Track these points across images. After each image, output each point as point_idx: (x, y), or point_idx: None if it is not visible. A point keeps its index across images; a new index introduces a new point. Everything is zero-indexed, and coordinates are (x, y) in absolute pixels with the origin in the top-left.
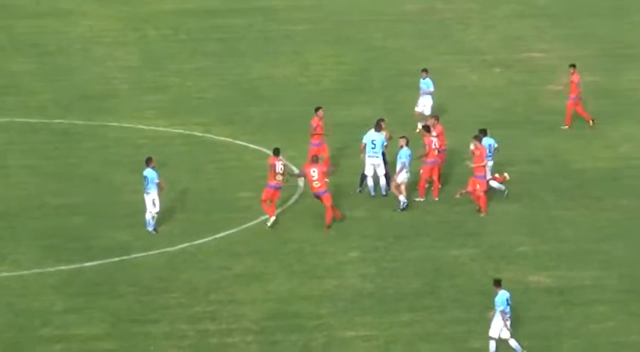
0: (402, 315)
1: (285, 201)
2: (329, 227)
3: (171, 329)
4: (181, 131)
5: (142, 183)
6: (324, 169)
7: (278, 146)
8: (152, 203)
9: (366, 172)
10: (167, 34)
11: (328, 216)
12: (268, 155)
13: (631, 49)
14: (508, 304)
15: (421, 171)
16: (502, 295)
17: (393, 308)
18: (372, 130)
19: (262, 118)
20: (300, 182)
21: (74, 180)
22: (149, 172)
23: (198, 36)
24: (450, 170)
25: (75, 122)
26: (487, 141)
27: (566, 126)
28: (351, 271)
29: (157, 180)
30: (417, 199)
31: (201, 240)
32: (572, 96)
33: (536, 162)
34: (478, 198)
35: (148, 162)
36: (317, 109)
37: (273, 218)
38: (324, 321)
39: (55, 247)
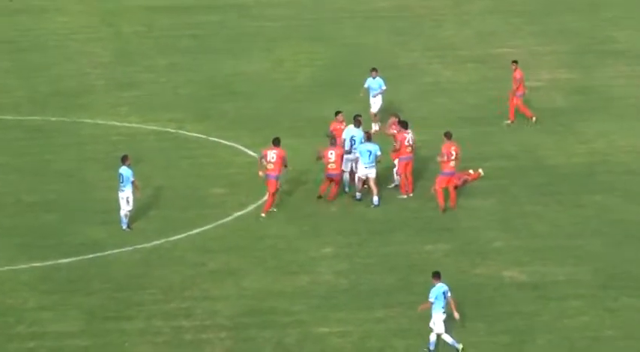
0: (376, 311)
1: (259, 197)
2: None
3: (146, 325)
4: (155, 127)
5: (117, 180)
6: (341, 152)
7: (252, 142)
8: (126, 201)
9: (343, 168)
10: (141, 31)
11: (332, 191)
12: (242, 151)
13: (605, 46)
14: (445, 297)
15: (396, 167)
16: (439, 288)
17: (367, 304)
18: (352, 126)
19: (236, 114)
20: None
21: (48, 177)
22: (125, 170)
23: (172, 32)
24: (424, 165)
25: (49, 119)
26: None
27: (534, 119)
28: (325, 267)
29: (132, 179)
30: (399, 196)
31: (176, 237)
32: (519, 93)
33: (510, 158)
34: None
35: (124, 159)
36: (337, 113)
37: (274, 209)
38: (298, 317)
39: (29, 244)
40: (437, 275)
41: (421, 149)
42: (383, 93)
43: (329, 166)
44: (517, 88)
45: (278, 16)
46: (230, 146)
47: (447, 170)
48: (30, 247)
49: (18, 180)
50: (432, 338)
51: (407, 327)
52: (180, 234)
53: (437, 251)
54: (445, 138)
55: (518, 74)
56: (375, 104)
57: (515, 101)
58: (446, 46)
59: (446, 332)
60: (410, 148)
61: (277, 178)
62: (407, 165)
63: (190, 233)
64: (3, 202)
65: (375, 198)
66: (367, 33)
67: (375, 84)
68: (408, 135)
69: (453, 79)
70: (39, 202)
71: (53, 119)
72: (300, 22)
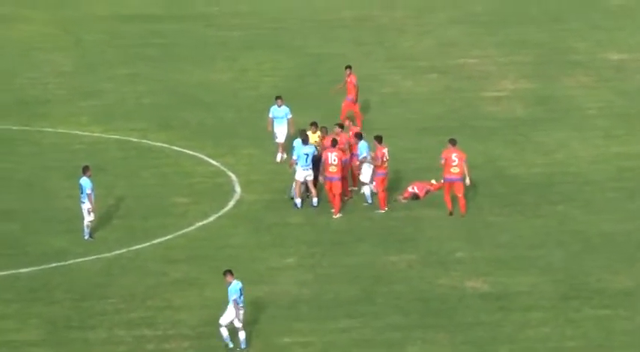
0: (339, 322)
1: (221, 206)
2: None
3: (109, 335)
4: (117, 136)
5: (78, 189)
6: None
7: (215, 152)
8: (87, 211)
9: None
10: (103, 40)
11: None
12: (205, 161)
13: (566, 56)
14: (241, 294)
15: (373, 184)
16: (235, 285)
17: (330, 315)
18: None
19: (199, 124)
20: (237, 187)
21: (10, 186)
22: (84, 181)
23: (135, 41)
24: (392, 175)
25: (11, 127)
26: (363, 144)
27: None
28: (287, 277)
29: (88, 191)
30: (377, 211)
31: (138, 246)
32: (350, 97)
33: (472, 168)
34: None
35: (85, 170)
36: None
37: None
38: (261, 327)
39: None
40: (230, 273)
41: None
42: (289, 121)
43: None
44: (349, 92)
45: (242, 26)
46: (193, 155)
47: (447, 175)
48: None
49: None
50: (242, 336)
51: (370, 338)
52: (142, 243)
53: (400, 261)
54: (449, 144)
55: (353, 79)
56: (281, 133)
57: (348, 104)
58: (407, 57)
59: (412, 343)
60: (386, 163)
61: (340, 179)
62: (384, 180)
63: (153, 242)
64: None
65: (315, 200)
66: (330, 43)
67: (280, 112)
68: (385, 150)
69: (413, 90)
70: (0, 211)
71: (15, 128)
72: (263, 32)
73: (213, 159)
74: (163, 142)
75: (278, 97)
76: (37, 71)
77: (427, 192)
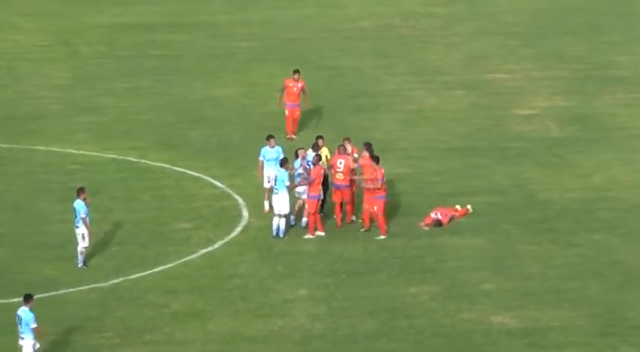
0: None
1: (227, 232)
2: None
3: None
4: (115, 156)
5: (72, 213)
6: (351, 164)
7: (221, 173)
8: (81, 237)
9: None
10: (101, 50)
11: (348, 211)
12: (210, 182)
13: (606, 71)
14: (20, 323)
15: (375, 208)
16: (23, 312)
17: (345, 351)
18: (310, 151)
19: (204, 143)
20: (245, 212)
21: None
22: (78, 204)
23: (135, 52)
24: (408, 201)
25: None
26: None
27: (291, 137)
28: (299, 310)
29: (83, 215)
30: (378, 237)
31: (136, 275)
32: (296, 103)
33: (501, 193)
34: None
35: (79, 192)
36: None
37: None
38: None
39: None
40: (26, 299)
41: (404, 183)
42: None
43: (337, 176)
44: (297, 98)
45: (251, 37)
46: (197, 177)
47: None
48: None
49: None
50: None
51: None
52: (141, 272)
53: (421, 293)
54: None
55: (302, 84)
56: (273, 178)
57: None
58: (432, 71)
59: None
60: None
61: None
62: (384, 203)
63: (152, 271)
64: None
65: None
66: (348, 55)
67: (272, 154)
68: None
69: (439, 107)
70: None
71: (4, 146)
72: (274, 43)
73: (219, 180)
74: (165, 162)
75: (270, 137)
76: (27, 84)
77: (451, 218)
